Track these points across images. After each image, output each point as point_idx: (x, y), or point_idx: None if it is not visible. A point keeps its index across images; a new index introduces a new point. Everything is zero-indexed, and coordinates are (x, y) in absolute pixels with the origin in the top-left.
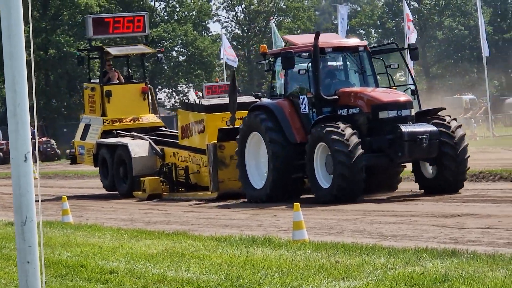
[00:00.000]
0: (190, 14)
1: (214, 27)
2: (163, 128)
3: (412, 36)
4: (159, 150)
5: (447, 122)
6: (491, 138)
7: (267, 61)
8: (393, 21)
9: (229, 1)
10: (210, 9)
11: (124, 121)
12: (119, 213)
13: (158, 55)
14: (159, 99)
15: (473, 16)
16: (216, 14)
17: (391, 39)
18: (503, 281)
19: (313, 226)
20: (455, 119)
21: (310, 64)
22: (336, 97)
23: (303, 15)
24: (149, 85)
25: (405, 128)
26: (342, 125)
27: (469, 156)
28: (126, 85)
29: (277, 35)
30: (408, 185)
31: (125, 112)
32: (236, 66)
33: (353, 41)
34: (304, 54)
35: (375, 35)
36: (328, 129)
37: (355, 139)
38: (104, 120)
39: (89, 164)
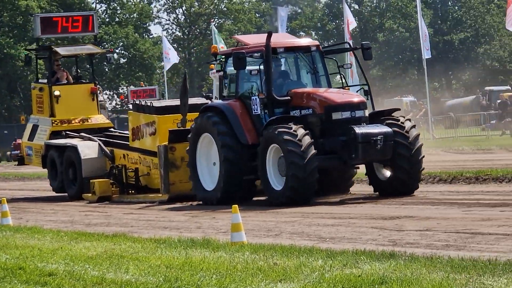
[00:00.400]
0: (131, 16)
1: (155, 30)
2: (112, 129)
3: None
4: (108, 151)
5: (401, 123)
6: (431, 140)
7: (218, 61)
8: (334, 23)
9: (170, 4)
10: (151, 12)
11: (73, 121)
12: (60, 215)
13: (108, 55)
14: (100, 101)
15: (413, 18)
16: (157, 17)
17: (331, 41)
18: (441, 283)
19: (252, 228)
20: (409, 120)
21: (261, 65)
22: (288, 98)
23: (243, 17)
24: (98, 86)
25: (358, 130)
26: (294, 126)
27: (423, 157)
28: (75, 85)
29: (217, 37)
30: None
31: (74, 113)
32: (177, 61)
33: (305, 41)
34: (256, 54)
35: (316, 37)
36: (280, 129)
37: (307, 140)
38: (53, 121)
39: (37, 165)
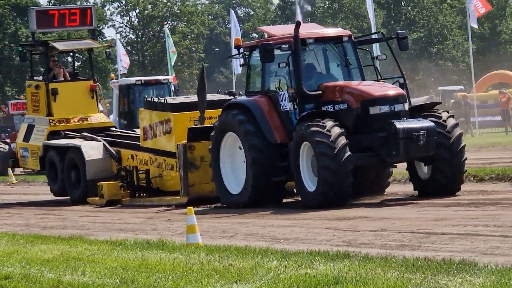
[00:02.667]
0: None
1: (109, 33)
2: (114, 128)
3: None
4: (114, 152)
5: (443, 120)
6: None
7: (241, 54)
8: (287, 25)
9: (124, 6)
10: (104, 14)
11: (71, 121)
12: (15, 218)
13: (107, 50)
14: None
15: (366, 18)
16: (111, 19)
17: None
18: (395, 283)
19: (207, 229)
20: (452, 116)
21: (290, 57)
22: (320, 92)
23: (196, 20)
24: (97, 82)
25: (399, 124)
26: (328, 124)
27: (466, 159)
28: (73, 82)
29: (170, 40)
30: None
31: (73, 112)
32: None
33: (336, 30)
34: (284, 46)
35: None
36: (312, 129)
37: (342, 141)
38: (51, 120)
39: (34, 167)
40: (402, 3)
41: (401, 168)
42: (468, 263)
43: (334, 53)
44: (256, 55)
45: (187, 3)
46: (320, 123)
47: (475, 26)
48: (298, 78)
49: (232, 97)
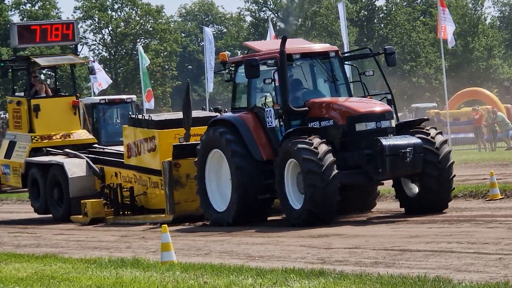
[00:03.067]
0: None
1: (82, 50)
2: (96, 145)
3: None
4: (98, 169)
5: (431, 137)
6: None
7: (226, 70)
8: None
9: (96, 24)
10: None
11: (54, 137)
12: None
13: (89, 65)
14: None
15: (339, 36)
16: (84, 37)
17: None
18: None
19: (181, 247)
20: (440, 133)
21: (275, 73)
22: (306, 108)
23: (169, 37)
24: (79, 99)
25: (385, 141)
26: (315, 141)
27: (454, 176)
28: (55, 98)
29: (144, 57)
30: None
31: (55, 128)
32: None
33: (323, 46)
34: (270, 61)
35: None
36: (299, 145)
37: (330, 158)
38: (33, 137)
39: (16, 185)
40: (375, 21)
41: (387, 185)
42: (442, 280)
43: (321, 69)
44: (242, 70)
45: (160, 20)
46: (307, 140)
47: (451, 43)
48: (284, 94)
49: (217, 113)
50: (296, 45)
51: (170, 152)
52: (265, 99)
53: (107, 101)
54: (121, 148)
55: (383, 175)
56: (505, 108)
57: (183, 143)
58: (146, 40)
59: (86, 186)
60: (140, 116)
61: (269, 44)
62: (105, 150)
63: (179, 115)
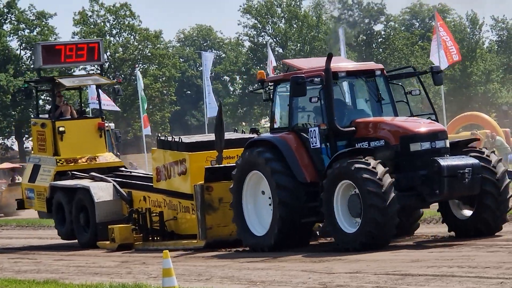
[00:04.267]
0: None
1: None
2: (123, 168)
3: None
4: (125, 193)
5: (487, 155)
6: None
7: (265, 89)
8: (258, 67)
9: None
10: None
11: (79, 161)
12: None
13: (115, 86)
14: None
15: None
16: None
17: (255, 86)
18: None
19: (182, 273)
20: (493, 152)
21: (321, 91)
22: (353, 128)
23: (168, 62)
24: (105, 121)
25: (443, 162)
26: (372, 161)
27: (511, 196)
28: (81, 120)
29: (141, 82)
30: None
31: (80, 151)
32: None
33: (368, 64)
34: (316, 79)
35: (240, 81)
36: (357, 165)
37: (388, 179)
38: (57, 160)
39: (40, 209)
40: (374, 45)
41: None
42: None
43: (366, 88)
44: (281, 89)
45: (158, 45)
46: (363, 160)
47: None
48: (330, 114)
49: (254, 134)
50: (338, 63)
51: (201, 175)
52: (308, 118)
53: None
54: (147, 172)
55: (440, 197)
56: (504, 132)
57: (215, 165)
58: (144, 65)
59: (113, 210)
60: (170, 138)
61: (310, 62)
62: (132, 174)
63: (210, 137)
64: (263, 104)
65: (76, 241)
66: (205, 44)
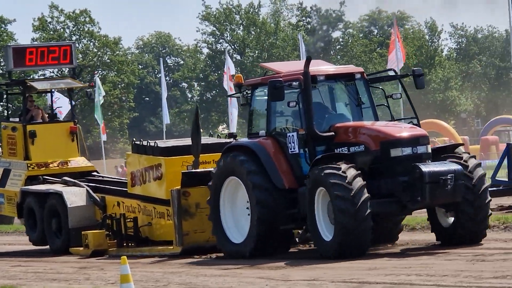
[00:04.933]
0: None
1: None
2: (95, 173)
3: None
4: (98, 199)
5: (464, 161)
6: None
7: (242, 93)
8: (216, 74)
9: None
10: None
11: (50, 165)
12: None
13: (88, 90)
14: None
15: None
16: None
17: (214, 92)
18: None
19: (140, 279)
20: (473, 157)
21: (299, 95)
22: (332, 133)
23: (127, 69)
24: (77, 124)
25: (425, 168)
26: (344, 166)
27: (490, 200)
28: (52, 124)
29: (100, 89)
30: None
31: (52, 155)
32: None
33: (348, 67)
34: (294, 83)
35: (198, 88)
36: (326, 171)
37: (359, 182)
38: (28, 165)
39: (10, 214)
40: (332, 52)
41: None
42: None
43: (346, 91)
44: (259, 93)
45: (118, 52)
46: (334, 165)
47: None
48: (309, 118)
49: (231, 139)
50: (317, 66)
51: (177, 180)
52: (287, 123)
53: None
54: (121, 177)
55: (422, 204)
56: (462, 140)
57: (192, 170)
58: (103, 72)
59: (86, 216)
60: (145, 143)
61: (288, 65)
62: (105, 179)
63: (186, 141)
64: (220, 110)
65: (47, 247)
66: (163, 51)
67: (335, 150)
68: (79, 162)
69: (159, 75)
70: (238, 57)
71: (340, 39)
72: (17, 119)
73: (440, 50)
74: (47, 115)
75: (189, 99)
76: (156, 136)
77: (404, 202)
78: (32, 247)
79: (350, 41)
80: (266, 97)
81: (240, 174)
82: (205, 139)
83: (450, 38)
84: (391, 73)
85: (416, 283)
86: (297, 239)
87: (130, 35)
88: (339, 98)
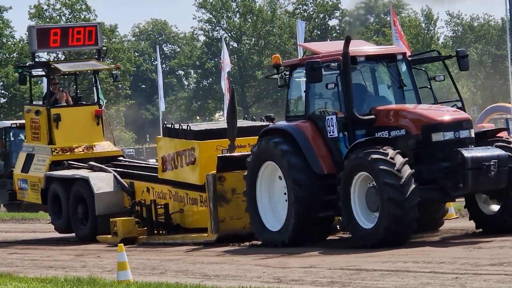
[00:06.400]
0: (11, 56)
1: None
2: (122, 158)
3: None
4: (127, 184)
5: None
6: None
7: (280, 74)
8: (213, 61)
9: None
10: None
11: (75, 150)
12: None
13: (113, 72)
14: None
15: (292, 55)
16: (38, 56)
17: (210, 80)
18: None
19: (136, 266)
20: None
21: (338, 77)
22: (373, 116)
23: (123, 56)
24: (103, 108)
25: (467, 153)
26: (390, 151)
27: None
28: (77, 107)
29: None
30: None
31: (77, 140)
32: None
33: (389, 48)
34: (333, 64)
35: (195, 75)
36: (374, 156)
37: (408, 170)
38: (53, 149)
39: (35, 201)
40: (328, 40)
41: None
42: None
43: (387, 73)
44: (298, 74)
45: (114, 40)
46: (381, 150)
47: None
48: (348, 101)
49: (269, 122)
50: (358, 46)
51: (210, 165)
52: (326, 106)
53: (18, 125)
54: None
55: (464, 191)
56: None
57: (228, 154)
58: (99, 59)
59: (114, 202)
60: (177, 126)
61: (329, 45)
62: (132, 164)
63: (219, 124)
64: (217, 98)
65: (73, 234)
66: (160, 38)
67: (376, 134)
68: (104, 146)
69: (155, 63)
70: (235, 45)
71: (337, 27)
72: (41, 103)
73: (437, 38)
74: (71, 98)
75: (185, 87)
76: (153, 123)
77: (447, 188)
78: (30, 235)
79: (346, 29)
80: (305, 79)
81: (275, 157)
82: (240, 122)
83: (446, 26)
84: (435, 54)
85: (413, 270)
86: (338, 226)
87: (127, 23)
88: (380, 80)
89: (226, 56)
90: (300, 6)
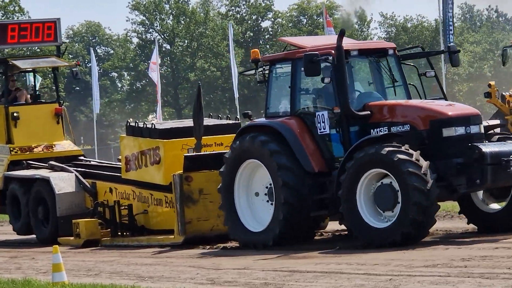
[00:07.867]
0: None
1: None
2: (82, 158)
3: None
4: (89, 185)
5: None
6: None
7: (260, 70)
8: (145, 63)
9: None
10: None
11: (35, 149)
12: None
13: (74, 69)
14: None
15: (225, 57)
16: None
17: (144, 82)
18: None
19: (71, 268)
20: None
21: (331, 71)
22: (369, 112)
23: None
24: (63, 106)
25: (485, 148)
26: (415, 153)
27: None
28: (36, 105)
29: (29, 79)
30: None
31: (36, 139)
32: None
33: (380, 42)
34: (329, 58)
35: (128, 77)
36: (400, 156)
37: (432, 175)
38: (11, 149)
39: None
40: (261, 41)
41: None
42: None
43: (378, 68)
44: (280, 70)
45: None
46: (403, 150)
47: None
48: (344, 96)
49: (235, 121)
50: (349, 41)
51: (176, 165)
52: (315, 101)
53: None
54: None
55: (480, 187)
56: None
57: (195, 154)
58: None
59: (75, 203)
60: (141, 124)
61: (313, 40)
62: (93, 163)
63: (185, 123)
64: (150, 100)
65: (33, 236)
66: (93, 40)
67: (371, 130)
68: (65, 146)
69: (89, 65)
70: (168, 47)
71: (269, 29)
72: None
73: (370, 39)
74: (29, 96)
75: (119, 89)
76: (87, 125)
77: (455, 185)
78: None
79: (279, 30)
80: (288, 74)
81: (261, 156)
82: (206, 121)
83: (380, 28)
84: (418, 50)
85: (347, 272)
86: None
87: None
88: (371, 74)
89: (156, 57)
90: (232, 8)
